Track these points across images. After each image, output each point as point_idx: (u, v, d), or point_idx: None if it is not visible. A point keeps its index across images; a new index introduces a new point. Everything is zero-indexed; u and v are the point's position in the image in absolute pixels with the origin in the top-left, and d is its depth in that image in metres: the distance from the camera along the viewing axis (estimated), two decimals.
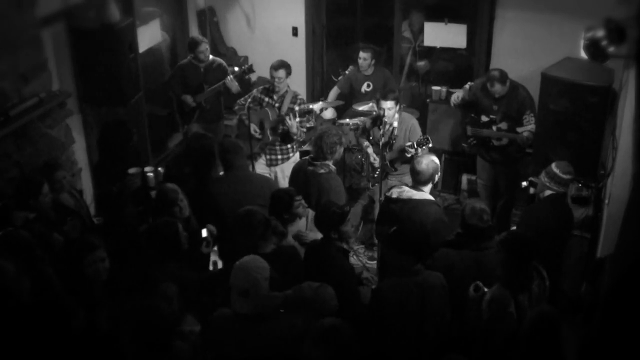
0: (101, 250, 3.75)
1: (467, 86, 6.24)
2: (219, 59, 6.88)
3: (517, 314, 3.65)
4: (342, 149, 5.17)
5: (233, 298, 3.31)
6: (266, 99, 6.15)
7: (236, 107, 6.31)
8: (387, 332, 3.82)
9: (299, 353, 3.11)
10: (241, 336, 3.30)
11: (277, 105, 6.11)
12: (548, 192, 4.67)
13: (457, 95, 6.20)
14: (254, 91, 6.27)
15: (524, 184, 5.12)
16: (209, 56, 6.72)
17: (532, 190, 4.99)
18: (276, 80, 6.01)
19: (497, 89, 5.81)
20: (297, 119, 6.00)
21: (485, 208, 4.21)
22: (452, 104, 6.29)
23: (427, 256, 3.98)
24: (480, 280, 3.90)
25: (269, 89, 6.16)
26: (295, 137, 6.09)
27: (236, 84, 6.49)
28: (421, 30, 7.78)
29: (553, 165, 4.67)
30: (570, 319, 4.47)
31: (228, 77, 6.47)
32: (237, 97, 6.47)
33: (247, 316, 3.29)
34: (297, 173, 5.28)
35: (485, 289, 3.81)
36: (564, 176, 4.62)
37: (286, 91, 6.13)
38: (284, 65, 6.04)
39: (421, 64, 7.87)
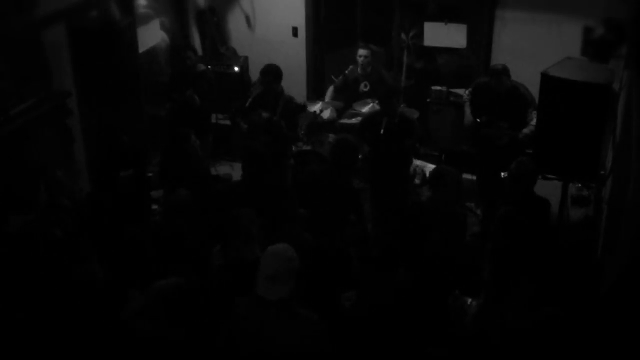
0: (93, 261, 3.73)
1: (465, 97, 6.27)
2: (207, 72, 6.79)
3: (505, 326, 3.57)
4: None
5: (260, 282, 3.22)
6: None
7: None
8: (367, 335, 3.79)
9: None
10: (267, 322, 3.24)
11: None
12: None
13: (468, 123, 6.21)
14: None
15: (504, 174, 5.12)
16: (194, 64, 6.63)
17: None
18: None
19: (502, 79, 5.82)
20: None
21: None
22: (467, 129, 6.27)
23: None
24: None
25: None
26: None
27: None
28: (411, 29, 7.79)
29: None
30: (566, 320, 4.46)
31: None
32: None
33: (272, 302, 3.21)
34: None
35: (469, 300, 3.76)
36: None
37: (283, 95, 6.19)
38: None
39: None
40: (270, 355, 3.20)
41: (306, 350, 3.16)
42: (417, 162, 7.02)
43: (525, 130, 5.76)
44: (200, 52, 8.14)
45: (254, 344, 3.24)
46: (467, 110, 6.21)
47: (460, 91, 7.14)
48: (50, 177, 4.69)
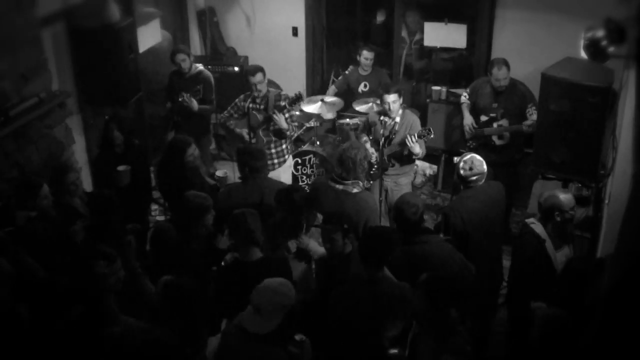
0: (117, 263, 3.71)
1: (464, 98, 6.27)
2: (206, 73, 6.69)
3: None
4: (366, 162, 4.92)
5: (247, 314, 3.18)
6: (249, 105, 6.09)
7: (221, 120, 6.27)
8: (339, 341, 3.73)
9: None
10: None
11: (262, 107, 6.07)
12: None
13: (468, 124, 6.19)
14: (237, 100, 6.20)
15: (456, 159, 5.10)
16: (190, 66, 6.55)
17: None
18: (258, 85, 5.97)
19: (504, 72, 5.85)
20: (287, 115, 5.99)
21: (415, 202, 4.17)
22: (467, 131, 6.23)
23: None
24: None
25: (250, 95, 6.11)
26: (288, 132, 6.07)
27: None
28: (417, 30, 7.79)
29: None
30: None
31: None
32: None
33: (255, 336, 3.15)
34: (325, 191, 4.90)
35: (391, 350, 3.58)
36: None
37: (268, 91, 6.09)
38: (260, 69, 6.01)
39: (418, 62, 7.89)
40: None
41: None
42: (418, 162, 7.00)
43: (528, 122, 5.77)
44: (200, 52, 8.15)
45: None
46: (466, 112, 6.20)
47: (460, 91, 7.13)
48: (56, 178, 4.69)
